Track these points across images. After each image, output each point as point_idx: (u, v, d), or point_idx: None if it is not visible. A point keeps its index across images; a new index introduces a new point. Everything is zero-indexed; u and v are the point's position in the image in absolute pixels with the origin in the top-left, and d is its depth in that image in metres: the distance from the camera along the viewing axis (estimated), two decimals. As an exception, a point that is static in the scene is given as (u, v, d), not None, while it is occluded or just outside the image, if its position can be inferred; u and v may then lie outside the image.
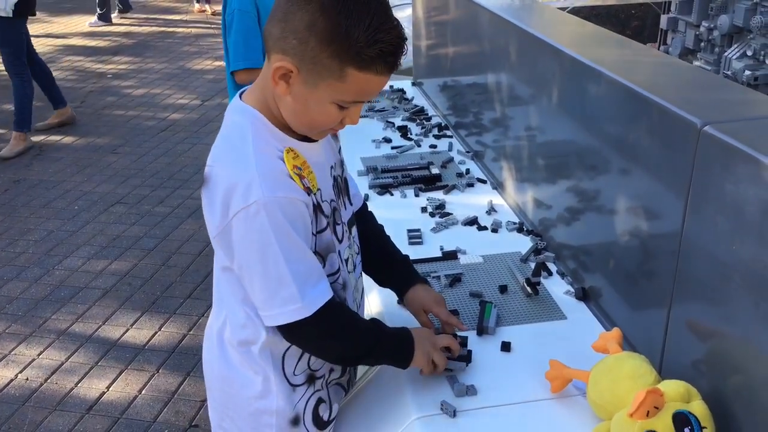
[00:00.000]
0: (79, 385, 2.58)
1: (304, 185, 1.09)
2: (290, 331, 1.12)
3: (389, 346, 1.24)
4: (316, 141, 1.16)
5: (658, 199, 1.28)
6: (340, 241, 1.21)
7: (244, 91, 1.16)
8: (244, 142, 1.07)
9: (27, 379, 2.62)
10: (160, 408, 2.45)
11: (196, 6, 9.23)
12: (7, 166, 4.62)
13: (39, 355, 2.75)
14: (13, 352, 2.77)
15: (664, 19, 3.62)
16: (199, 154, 4.73)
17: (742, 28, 2.98)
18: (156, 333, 2.87)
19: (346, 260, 1.25)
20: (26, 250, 3.56)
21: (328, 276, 1.15)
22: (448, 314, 1.39)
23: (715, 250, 1.12)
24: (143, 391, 2.54)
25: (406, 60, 3.46)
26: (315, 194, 1.12)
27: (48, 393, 2.54)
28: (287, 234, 1.05)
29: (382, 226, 1.50)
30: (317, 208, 1.12)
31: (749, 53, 2.93)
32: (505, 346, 1.43)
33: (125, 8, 8.89)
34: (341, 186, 1.27)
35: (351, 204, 1.32)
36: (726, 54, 2.96)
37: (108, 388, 2.56)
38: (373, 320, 1.28)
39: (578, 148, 1.63)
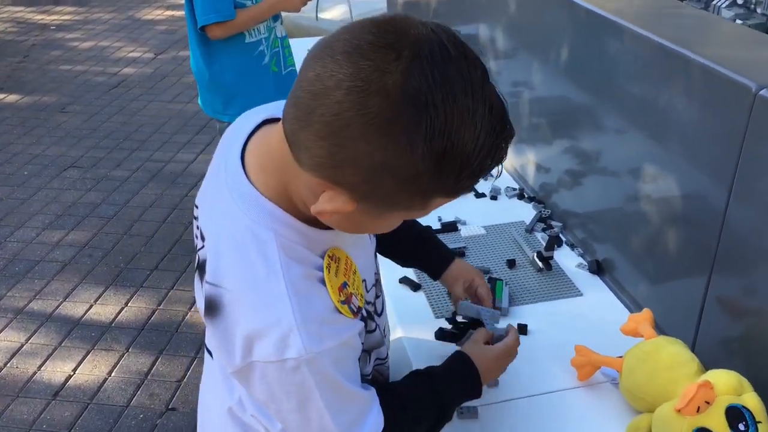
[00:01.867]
0: (42, 368, 2.40)
1: (352, 312, 0.82)
2: None
3: (455, 396, 1.02)
4: None
5: (695, 168, 1.17)
6: (380, 315, 1.00)
7: (244, 151, 0.82)
8: (270, 267, 0.76)
9: (-16, 363, 2.43)
10: (133, 391, 2.30)
11: None
12: (-55, 128, 4.29)
13: (-5, 336, 2.56)
14: (-34, 334, 2.57)
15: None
16: (156, 112, 4.46)
17: (730, -26, 2.86)
18: (123, 309, 2.69)
19: (384, 328, 1.03)
20: (-27, 220, 3.31)
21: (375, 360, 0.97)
22: (488, 289, 1.24)
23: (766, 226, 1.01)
24: (113, 373, 2.38)
25: (379, 7, 3.23)
26: (363, 306, 0.86)
27: (8, 378, 2.36)
28: (336, 387, 0.80)
29: None
30: (366, 321, 0.89)
31: (739, 1, 2.83)
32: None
33: None
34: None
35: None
36: (714, 2, 2.85)
37: (74, 371, 2.39)
38: (419, 375, 1.01)
39: (587, 107, 1.50)
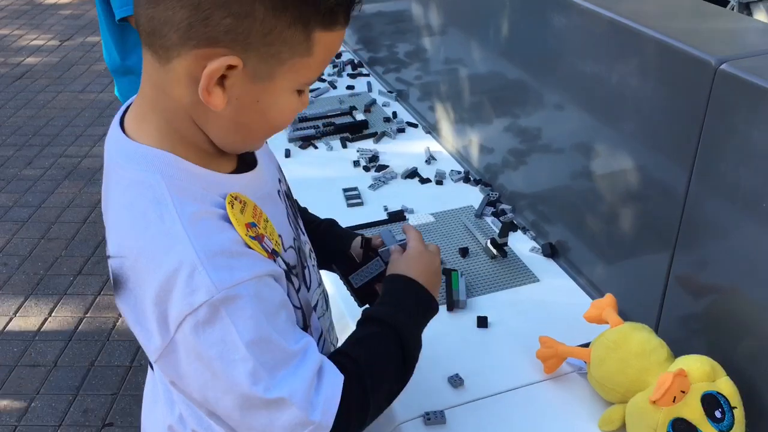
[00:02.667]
0: (-42, 391, 2.21)
1: (266, 250, 0.74)
2: None
3: (411, 324, 0.87)
4: (254, 167, 0.82)
5: (652, 149, 1.13)
6: (308, 289, 0.89)
7: (125, 112, 0.77)
8: (162, 209, 0.70)
9: None
10: (65, 408, 2.14)
11: None
12: None
13: None
14: None
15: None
16: (66, 104, 4.18)
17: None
18: (46, 319, 2.50)
19: (315, 306, 0.91)
20: None
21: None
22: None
23: (732, 207, 0.99)
24: (41, 391, 2.20)
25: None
26: (280, 253, 0.79)
27: None
28: (265, 338, 0.70)
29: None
30: (288, 273, 0.80)
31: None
32: (482, 322, 1.27)
33: None
34: (292, 202, 0.95)
35: (301, 220, 0.98)
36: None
37: (-3, 391, 2.21)
38: (366, 319, 0.87)
39: (531, 83, 1.45)
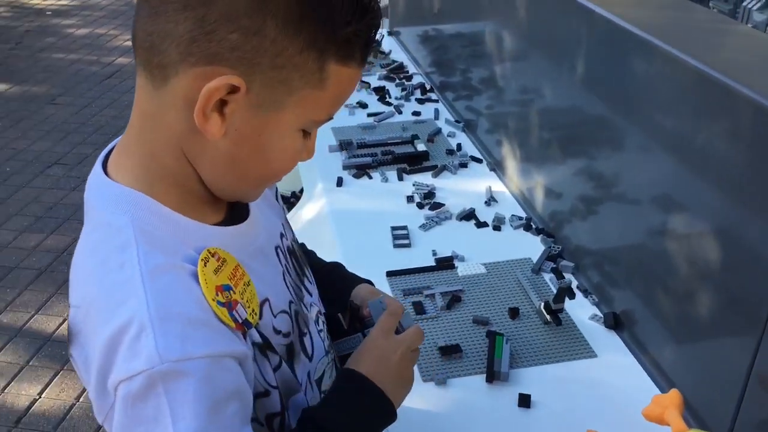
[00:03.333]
0: (6, 391, 2.22)
1: (235, 320, 0.63)
2: None
3: (355, 429, 0.76)
4: (246, 218, 0.73)
5: (745, 213, 0.95)
6: (310, 359, 0.79)
7: (108, 155, 0.69)
8: (125, 259, 0.61)
9: (-55, 383, 2.26)
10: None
11: None
12: (-72, 119, 4.10)
13: (-41, 353, 2.38)
14: (-71, 349, 2.39)
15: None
16: (148, 106, 4.26)
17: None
18: (97, 324, 2.51)
19: (319, 379, 0.81)
20: (-52, 221, 3.13)
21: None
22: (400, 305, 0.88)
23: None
24: (81, 399, 2.19)
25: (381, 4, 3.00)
26: (257, 325, 0.68)
27: (-32, 402, 2.18)
28: (205, 428, 0.58)
29: (312, 252, 1.03)
30: (264, 348, 0.69)
31: (773, 3, 2.59)
32: (524, 400, 1.12)
33: None
34: (298, 257, 0.84)
35: (311, 278, 0.87)
36: (744, 3, 2.63)
37: (40, 394, 2.21)
38: (306, 417, 0.75)
39: (609, 123, 1.29)
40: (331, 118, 0.69)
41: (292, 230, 0.89)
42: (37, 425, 2.10)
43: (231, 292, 0.65)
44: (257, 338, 0.68)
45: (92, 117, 4.14)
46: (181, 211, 0.65)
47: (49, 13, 5.98)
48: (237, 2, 0.57)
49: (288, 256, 0.81)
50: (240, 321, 0.64)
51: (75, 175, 3.50)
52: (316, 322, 0.83)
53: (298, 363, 0.76)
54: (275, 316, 0.73)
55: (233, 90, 0.60)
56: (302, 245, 1.00)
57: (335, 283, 0.98)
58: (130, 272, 0.60)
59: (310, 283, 0.86)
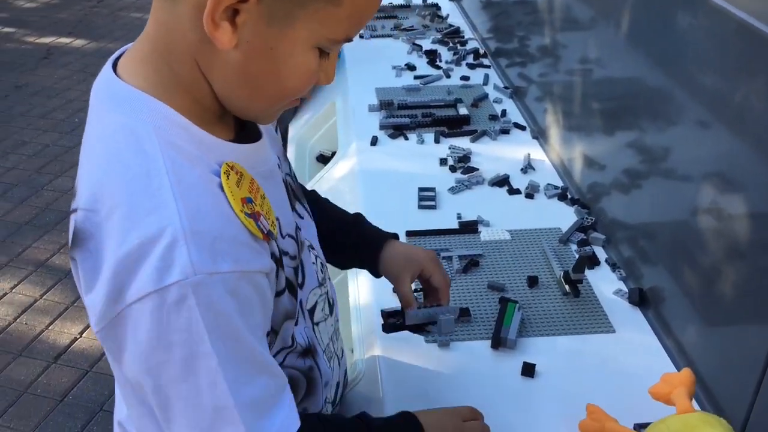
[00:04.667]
0: (49, 328, 2.31)
1: (261, 231, 0.64)
2: None
3: None
4: (258, 139, 0.73)
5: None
6: (301, 287, 0.78)
7: (119, 57, 0.68)
8: (149, 164, 0.60)
9: (-4, 315, 2.37)
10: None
11: None
12: (10, 68, 4.29)
13: (12, 288, 2.48)
14: (-15, 283, 2.51)
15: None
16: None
17: None
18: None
19: (312, 309, 0.81)
20: (17, 165, 3.27)
21: (281, 351, 0.75)
22: (445, 279, 0.98)
23: None
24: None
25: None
26: (276, 238, 0.69)
27: (15, 335, 2.28)
28: (234, 337, 0.59)
29: (326, 199, 1.04)
30: (279, 264, 0.69)
31: None
32: (528, 369, 1.06)
33: None
34: (294, 188, 0.84)
35: (307, 208, 0.87)
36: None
37: (80, 334, 2.29)
38: (361, 420, 0.80)
39: (660, 91, 1.19)
40: (350, 40, 0.66)
41: (289, 164, 0.87)
42: (75, 362, 2.18)
43: (252, 204, 0.64)
44: (276, 251, 0.68)
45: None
46: (195, 123, 0.64)
47: (133, -26, 6.14)
48: None
49: (286, 183, 0.80)
50: (265, 232, 0.64)
51: (138, 130, 3.59)
52: (309, 251, 0.82)
53: (292, 290, 0.75)
54: (283, 238, 0.72)
55: None
56: (326, 200, 1.02)
57: (364, 234, 1.00)
58: (158, 181, 0.59)
59: (301, 218, 0.84)
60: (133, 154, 0.61)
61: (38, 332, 2.29)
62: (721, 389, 0.98)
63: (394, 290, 0.98)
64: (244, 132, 0.72)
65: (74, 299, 2.43)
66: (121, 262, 0.58)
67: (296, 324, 0.77)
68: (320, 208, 0.97)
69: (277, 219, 0.71)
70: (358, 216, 1.03)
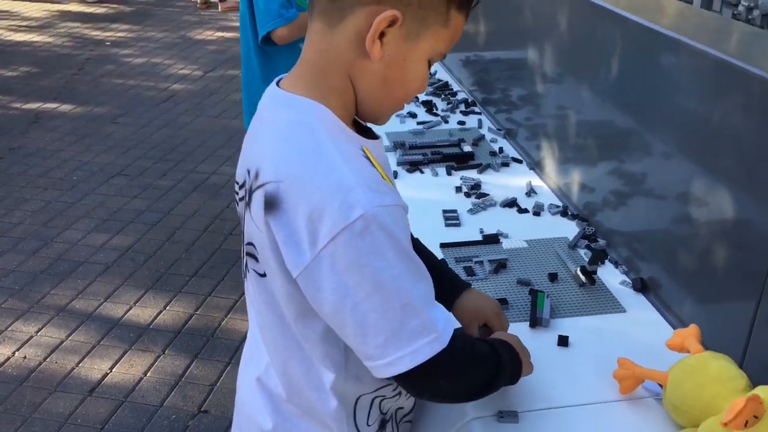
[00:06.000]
0: (80, 365, 2.44)
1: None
2: (421, 375, 0.85)
3: (507, 367, 1.03)
4: (377, 138, 0.96)
5: (749, 185, 1.15)
6: None
7: (280, 79, 0.92)
8: (319, 143, 0.83)
9: (25, 357, 2.49)
10: (167, 392, 2.32)
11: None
12: (1, 133, 4.44)
13: (37, 332, 2.61)
14: (9, 329, 2.63)
15: (694, -1, 3.46)
16: (202, 127, 4.56)
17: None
18: (161, 312, 2.73)
19: None
20: (23, 221, 3.40)
21: None
22: (504, 328, 1.22)
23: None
24: (148, 374, 2.40)
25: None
26: None
27: (47, 373, 2.41)
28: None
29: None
30: None
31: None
32: (563, 341, 1.30)
33: None
34: None
35: None
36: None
37: (111, 369, 2.43)
38: (494, 343, 1.05)
39: (637, 126, 1.49)
40: (444, 56, 0.93)
41: None
42: (110, 394, 2.31)
43: (382, 174, 0.88)
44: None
45: (150, 135, 4.45)
46: (342, 121, 0.88)
47: (108, 43, 6.39)
48: None
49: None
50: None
51: (137, 185, 3.78)
52: None
53: None
54: None
55: (393, 22, 0.82)
56: (417, 239, 1.25)
57: (443, 280, 1.20)
58: (327, 153, 0.82)
59: None
60: (305, 136, 0.84)
61: (69, 369, 2.42)
62: (715, 347, 1.24)
63: None
64: (367, 135, 0.96)
65: (100, 338, 2.57)
66: (312, 213, 0.80)
67: None
68: (415, 245, 1.21)
69: None
70: (443, 262, 1.28)
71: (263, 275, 0.91)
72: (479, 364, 0.97)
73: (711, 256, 1.26)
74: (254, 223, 0.87)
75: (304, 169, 0.82)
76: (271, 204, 0.83)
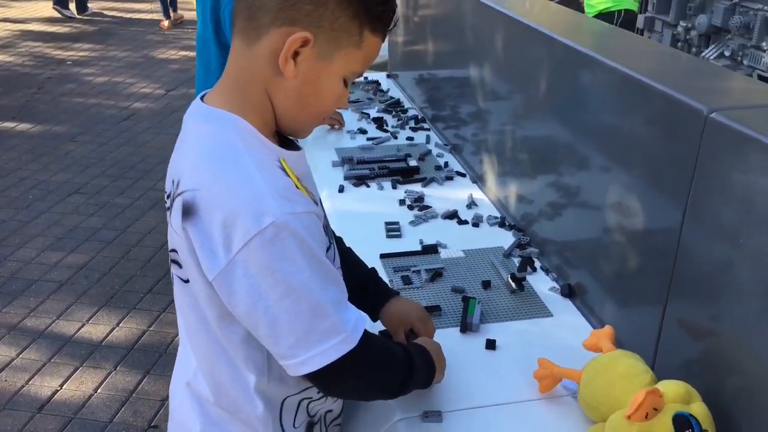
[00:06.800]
0: (30, 383, 2.43)
1: (312, 197, 0.93)
2: (331, 374, 0.90)
3: (421, 369, 1.08)
4: (299, 150, 0.99)
5: (655, 192, 1.22)
6: (333, 261, 1.03)
7: (204, 94, 0.96)
8: (237, 154, 0.87)
9: (-27, 375, 2.46)
10: (117, 407, 2.32)
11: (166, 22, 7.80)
12: (-43, 152, 4.40)
13: (-13, 350, 2.59)
14: (-42, 347, 2.60)
15: (641, 19, 3.61)
16: (163, 144, 4.57)
17: (721, 28, 2.98)
18: (114, 329, 2.73)
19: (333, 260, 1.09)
20: (-24, 239, 3.37)
21: None
22: (430, 330, 1.26)
23: (717, 244, 1.06)
24: (99, 390, 2.40)
25: (382, 54, 3.39)
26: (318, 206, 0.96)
27: (-4, 391, 2.39)
28: (315, 256, 0.87)
29: (340, 237, 1.30)
30: (324, 223, 0.97)
31: (727, 53, 2.92)
32: (490, 344, 1.36)
33: (81, 9, 8.04)
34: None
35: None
36: (703, 54, 2.95)
37: (61, 386, 2.42)
38: (405, 346, 1.11)
39: (565, 140, 1.57)
40: (361, 75, 0.98)
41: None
42: (59, 411, 2.30)
43: (301, 181, 0.92)
44: (322, 212, 0.95)
45: (109, 153, 4.44)
46: (261, 133, 0.92)
47: (69, 62, 6.37)
48: None
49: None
50: (314, 197, 0.93)
51: (93, 203, 3.77)
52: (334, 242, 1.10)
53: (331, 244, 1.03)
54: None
55: (305, 43, 0.87)
56: (349, 248, 1.31)
57: (369, 288, 1.28)
58: (243, 162, 0.87)
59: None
60: (223, 147, 0.88)
61: (19, 387, 2.40)
62: (632, 347, 1.30)
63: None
64: (288, 146, 0.99)
65: (51, 356, 2.56)
66: (227, 219, 0.84)
67: None
68: (344, 253, 1.25)
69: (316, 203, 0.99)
70: (373, 271, 1.31)
71: (187, 281, 0.95)
72: (390, 366, 1.01)
73: (626, 261, 1.33)
74: (174, 230, 0.91)
75: (220, 177, 0.87)
76: (188, 211, 0.87)
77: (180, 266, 0.95)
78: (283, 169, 0.91)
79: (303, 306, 0.86)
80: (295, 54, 0.88)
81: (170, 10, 7.64)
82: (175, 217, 0.90)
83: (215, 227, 0.85)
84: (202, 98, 0.96)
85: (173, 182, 0.93)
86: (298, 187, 0.90)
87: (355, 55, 0.92)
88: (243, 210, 0.83)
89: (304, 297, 0.85)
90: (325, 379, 0.91)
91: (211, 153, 0.89)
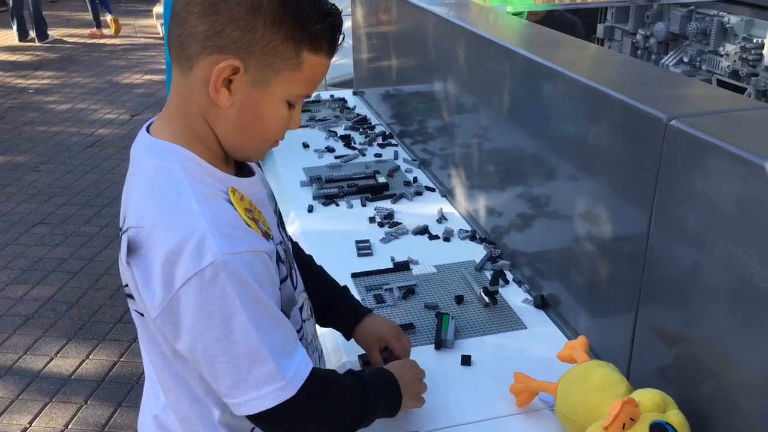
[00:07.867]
0: (-3, 421, 2.36)
1: (261, 230, 0.89)
2: (270, 419, 0.88)
3: (379, 400, 1.05)
4: (252, 176, 0.98)
5: (621, 200, 1.23)
6: (295, 288, 1.02)
7: (150, 123, 0.94)
8: (179, 189, 0.84)
9: (-63, 417, 2.38)
10: (89, 442, 2.26)
11: (91, 30, 8.09)
12: None
13: (-49, 390, 2.51)
14: None
15: (600, 28, 3.68)
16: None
17: (678, 34, 3.04)
18: (83, 361, 2.66)
19: (301, 307, 1.06)
20: (-62, 275, 3.28)
21: None
22: (405, 347, 1.25)
23: (683, 250, 1.07)
24: (70, 425, 2.33)
25: (347, 72, 3.38)
26: (272, 239, 0.93)
27: (-39, 432, 2.31)
28: (256, 299, 0.84)
29: (310, 256, 1.30)
30: (277, 257, 0.94)
31: (686, 59, 2.99)
32: (465, 360, 1.35)
33: (42, 37, 7.99)
34: (280, 219, 1.09)
35: (289, 237, 1.14)
36: (663, 61, 3.01)
37: (30, 423, 2.35)
38: (352, 373, 1.07)
39: (531, 152, 1.57)
40: (309, 96, 0.94)
41: (275, 201, 1.12)
42: (28, 449, 2.23)
43: (252, 212, 0.90)
44: (273, 248, 0.92)
45: (74, 182, 4.36)
46: (208, 162, 0.89)
47: (32, 91, 6.28)
48: (236, 10, 0.82)
49: (275, 212, 1.06)
50: (263, 231, 0.89)
51: (59, 233, 3.69)
52: (293, 264, 1.07)
53: (291, 281, 1.00)
54: (277, 245, 0.96)
55: (235, 71, 0.85)
56: (312, 258, 1.30)
57: (342, 306, 1.26)
58: (186, 198, 0.83)
59: (288, 240, 1.11)
60: (167, 183, 0.85)
61: (-15, 427, 2.33)
62: (606, 356, 1.31)
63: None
64: (242, 172, 0.98)
65: (19, 393, 2.48)
66: (168, 256, 0.81)
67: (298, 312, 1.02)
68: (315, 273, 1.24)
69: (270, 231, 0.96)
70: (345, 289, 1.29)
71: (142, 315, 0.92)
72: (340, 405, 0.99)
73: (596, 270, 1.34)
74: (123, 266, 0.89)
75: (162, 215, 0.84)
76: (132, 249, 0.85)
77: (134, 299, 0.92)
78: (231, 202, 0.87)
79: (240, 349, 0.83)
80: (230, 81, 0.86)
81: (101, 15, 7.66)
82: (122, 254, 0.88)
83: (157, 265, 0.82)
84: (148, 128, 0.94)
85: (122, 217, 0.91)
86: (247, 222, 0.87)
87: (295, 77, 0.88)
88: (184, 248, 0.81)
89: (241, 341, 0.83)
90: (264, 422, 0.90)
91: (153, 189, 0.86)
